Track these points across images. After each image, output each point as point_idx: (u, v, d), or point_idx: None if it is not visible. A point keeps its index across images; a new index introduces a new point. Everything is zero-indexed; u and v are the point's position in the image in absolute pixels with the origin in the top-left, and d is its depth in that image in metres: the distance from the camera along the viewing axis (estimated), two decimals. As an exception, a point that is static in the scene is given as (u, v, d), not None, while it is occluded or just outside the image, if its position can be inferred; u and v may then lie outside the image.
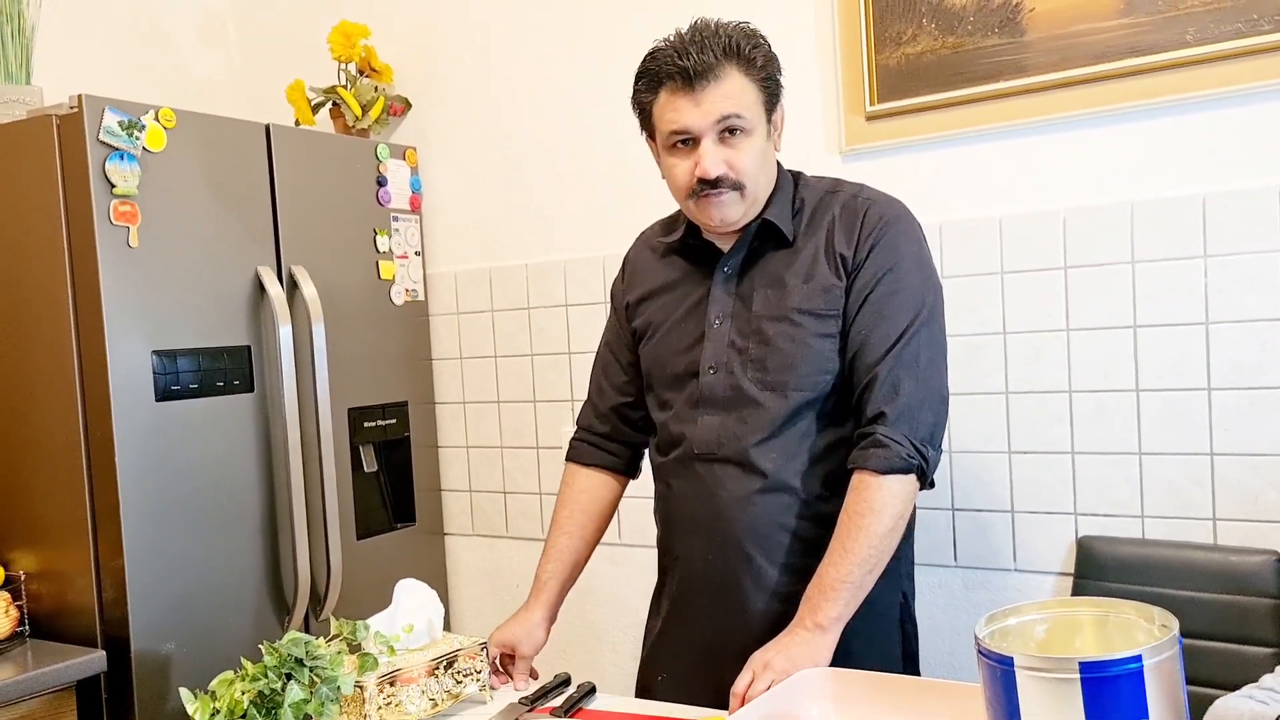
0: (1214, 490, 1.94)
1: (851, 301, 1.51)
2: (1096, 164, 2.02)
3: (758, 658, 1.41)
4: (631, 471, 1.79)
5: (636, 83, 1.53)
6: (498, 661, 1.67)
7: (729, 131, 1.48)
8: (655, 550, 1.72)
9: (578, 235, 2.65)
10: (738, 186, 1.50)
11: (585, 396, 1.83)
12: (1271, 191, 1.88)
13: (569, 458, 1.79)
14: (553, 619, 1.72)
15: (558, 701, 1.57)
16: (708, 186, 1.49)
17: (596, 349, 1.81)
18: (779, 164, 1.60)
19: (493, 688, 1.61)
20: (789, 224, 1.55)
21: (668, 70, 1.48)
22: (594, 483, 1.76)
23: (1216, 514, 1.94)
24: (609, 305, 1.81)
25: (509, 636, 1.67)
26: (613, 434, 1.76)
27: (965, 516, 2.18)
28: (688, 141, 1.50)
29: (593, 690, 1.60)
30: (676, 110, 1.49)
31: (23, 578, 2.17)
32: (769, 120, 1.53)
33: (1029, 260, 2.07)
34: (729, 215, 1.53)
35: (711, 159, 1.48)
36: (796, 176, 1.62)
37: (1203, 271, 1.93)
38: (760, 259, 1.57)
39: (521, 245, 2.74)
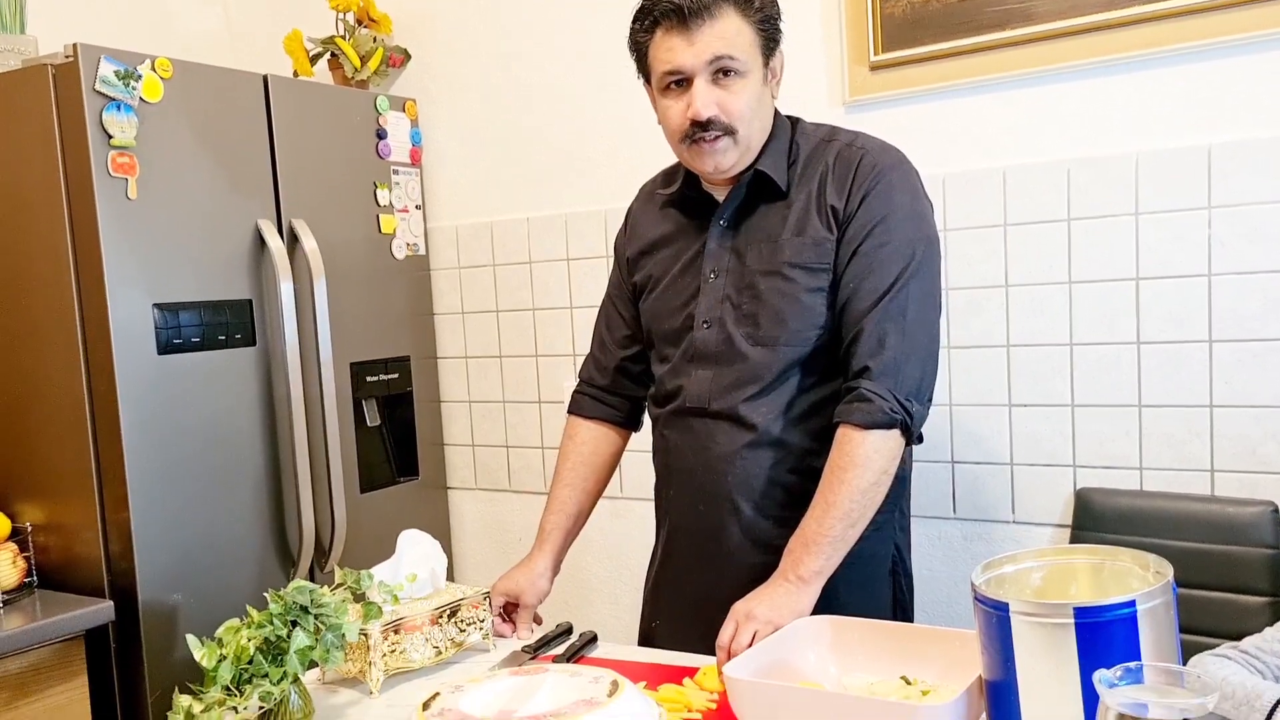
0: (1213, 442, 1.95)
1: (842, 253, 1.49)
2: (1102, 114, 2.00)
3: (740, 608, 1.42)
4: (633, 424, 1.80)
5: (633, 22, 1.52)
6: (502, 611, 1.69)
7: (723, 73, 1.46)
8: (652, 502, 1.74)
9: (579, 189, 2.63)
10: (730, 131, 1.48)
11: (587, 350, 1.83)
12: (1279, 141, 1.86)
13: (571, 410, 1.80)
14: (556, 569, 1.73)
15: (560, 650, 1.59)
16: (700, 130, 1.48)
17: (601, 301, 1.80)
18: (776, 110, 1.58)
19: (499, 635, 1.63)
20: (783, 174, 1.54)
21: (664, 8, 1.46)
22: (596, 435, 1.77)
23: (1214, 466, 1.95)
24: (612, 257, 1.81)
25: (512, 585, 1.69)
26: (614, 387, 1.77)
27: (965, 469, 2.19)
28: (681, 83, 1.48)
29: (594, 639, 1.62)
30: (670, 49, 1.47)
31: (29, 529, 2.19)
32: (766, 65, 1.51)
33: (1032, 212, 2.06)
34: (722, 162, 1.51)
35: (703, 99, 1.46)
36: (795, 123, 1.60)
37: (1206, 223, 1.92)
38: (754, 211, 1.56)
39: (522, 199, 2.73)
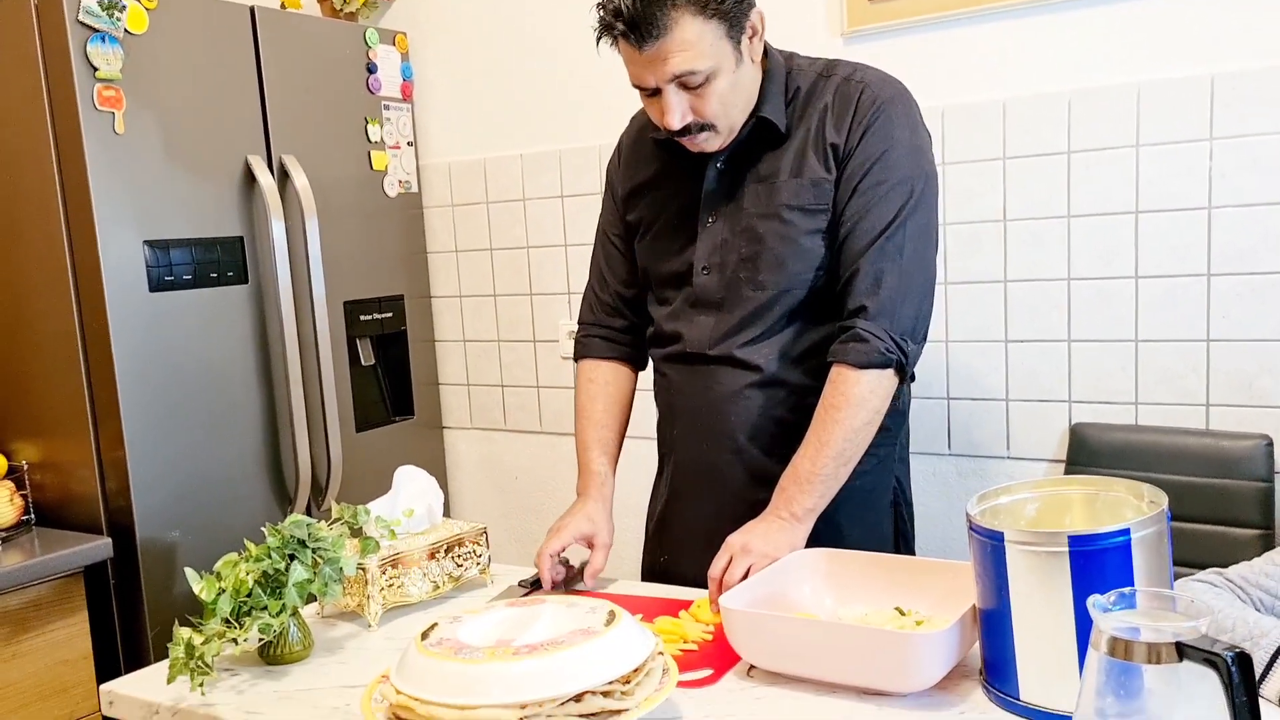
0: (1209, 376, 1.95)
1: (841, 191, 1.47)
2: (1104, 44, 1.97)
3: (735, 541, 1.42)
4: (643, 362, 1.76)
5: (597, 37, 1.45)
6: (558, 559, 1.58)
7: (689, 84, 1.42)
8: (651, 441, 1.73)
9: (573, 124, 2.60)
10: (709, 126, 1.46)
11: (582, 288, 1.80)
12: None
13: (582, 355, 1.74)
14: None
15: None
16: (678, 133, 1.46)
17: (595, 234, 1.76)
18: (768, 49, 1.53)
19: (568, 583, 1.59)
20: (782, 116, 1.51)
21: (614, 26, 1.40)
22: (616, 374, 1.72)
23: (1210, 400, 1.95)
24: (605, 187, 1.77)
25: (586, 527, 1.59)
26: (622, 325, 1.72)
27: (960, 405, 2.19)
28: (653, 91, 1.44)
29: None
30: (633, 63, 1.43)
31: (25, 468, 2.19)
32: (737, 45, 1.43)
33: (1032, 145, 2.04)
34: (709, 148, 1.50)
35: (673, 113, 1.43)
36: (790, 59, 1.56)
37: (1208, 155, 1.90)
38: (752, 152, 1.53)
39: (516, 135, 2.69)
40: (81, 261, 2.06)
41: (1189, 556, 1.82)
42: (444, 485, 2.89)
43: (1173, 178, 1.93)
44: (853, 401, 1.43)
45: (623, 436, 1.72)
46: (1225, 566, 1.37)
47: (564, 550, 1.58)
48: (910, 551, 1.67)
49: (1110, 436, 2.00)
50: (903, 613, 1.29)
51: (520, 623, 1.13)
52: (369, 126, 2.61)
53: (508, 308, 2.78)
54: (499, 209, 2.74)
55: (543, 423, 2.77)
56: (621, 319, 1.72)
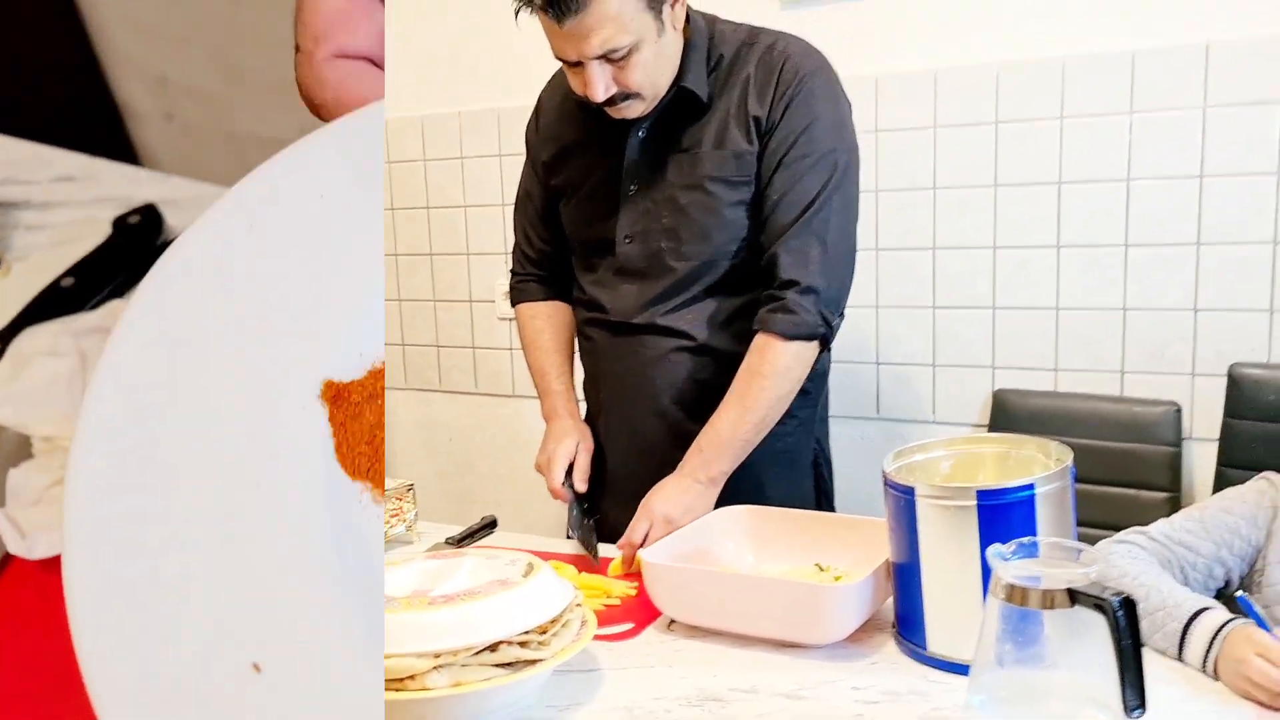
0: (1124, 344, 2.01)
1: (765, 164, 1.47)
2: (1032, 12, 2.00)
3: (657, 509, 1.43)
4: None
5: (515, 9, 1.41)
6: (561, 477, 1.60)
7: (611, 58, 1.39)
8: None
9: (512, 82, 2.57)
10: (633, 95, 1.44)
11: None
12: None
13: (520, 300, 1.74)
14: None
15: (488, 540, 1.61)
16: (601, 104, 1.44)
17: (517, 193, 1.74)
18: (690, 14, 1.50)
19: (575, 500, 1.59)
20: (704, 86, 1.49)
21: (537, 1, 1.36)
22: (557, 309, 1.72)
23: (1125, 367, 2.01)
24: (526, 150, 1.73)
25: (571, 444, 1.60)
26: (553, 272, 1.72)
27: (888, 370, 2.23)
28: (574, 63, 1.42)
29: (494, 523, 1.66)
30: (553, 36, 1.40)
31: None
32: (659, 14, 1.41)
33: (961, 114, 2.07)
34: (631, 114, 1.48)
35: (595, 86, 1.41)
36: (712, 24, 1.54)
37: (1128, 128, 1.95)
38: (674, 121, 1.52)
39: (454, 93, 2.66)
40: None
41: (1101, 518, 1.88)
42: (377, 446, 2.86)
43: (1093, 148, 1.98)
44: (779, 371, 1.44)
45: (573, 361, 1.72)
46: (1134, 527, 1.41)
47: (566, 474, 1.58)
48: (831, 509, 1.70)
49: (1030, 402, 2.06)
50: (822, 569, 1.32)
51: (439, 574, 1.13)
52: (301, 79, 2.55)
53: (444, 267, 2.76)
54: (436, 167, 2.71)
55: (478, 384, 2.77)
56: (551, 269, 1.72)
